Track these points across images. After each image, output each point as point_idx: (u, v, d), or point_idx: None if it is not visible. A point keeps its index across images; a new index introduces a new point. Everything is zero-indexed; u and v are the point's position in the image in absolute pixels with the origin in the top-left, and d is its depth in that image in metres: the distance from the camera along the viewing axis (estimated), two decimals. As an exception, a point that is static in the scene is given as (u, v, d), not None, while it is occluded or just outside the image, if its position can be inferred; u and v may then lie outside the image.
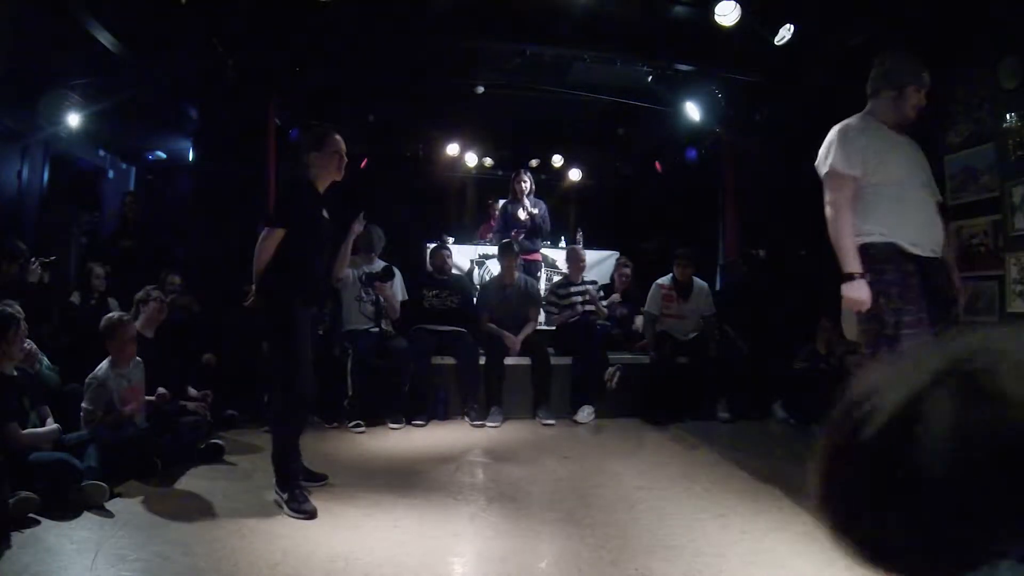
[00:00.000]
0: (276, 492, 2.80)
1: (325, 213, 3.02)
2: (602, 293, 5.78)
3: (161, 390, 3.65)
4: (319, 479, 3.11)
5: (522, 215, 6.12)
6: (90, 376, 3.31)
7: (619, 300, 5.93)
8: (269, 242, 2.82)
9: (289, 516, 2.66)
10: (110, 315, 3.50)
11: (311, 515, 2.66)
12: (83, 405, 3.26)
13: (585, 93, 6.42)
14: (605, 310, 5.62)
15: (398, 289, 4.87)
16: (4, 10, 4.30)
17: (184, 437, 3.49)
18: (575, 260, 5.59)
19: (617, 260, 6.46)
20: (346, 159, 3.02)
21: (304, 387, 2.88)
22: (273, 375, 2.98)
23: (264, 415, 4.21)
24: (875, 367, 0.54)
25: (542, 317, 5.62)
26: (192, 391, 4.02)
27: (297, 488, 2.77)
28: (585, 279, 5.64)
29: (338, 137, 2.99)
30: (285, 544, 2.37)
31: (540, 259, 6.43)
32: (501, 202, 6.84)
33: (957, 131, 4.59)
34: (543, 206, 6.27)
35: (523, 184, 6.18)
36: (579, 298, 5.45)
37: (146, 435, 3.28)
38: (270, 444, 2.94)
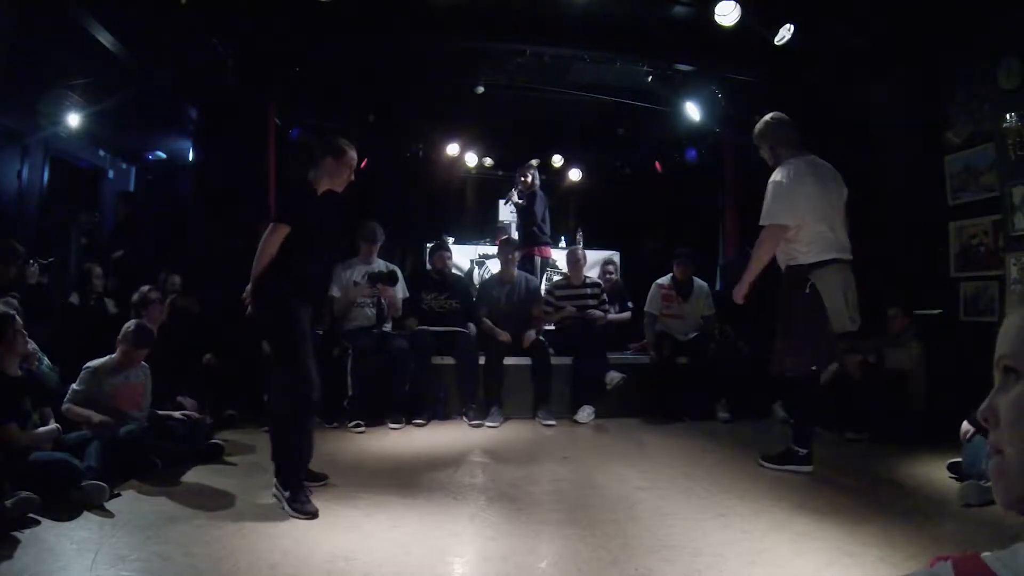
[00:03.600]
0: (277, 488, 2.78)
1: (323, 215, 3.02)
2: (605, 296, 5.75)
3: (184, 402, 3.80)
4: (319, 479, 3.11)
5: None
6: (88, 363, 3.38)
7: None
8: (274, 238, 2.82)
9: (290, 515, 2.65)
10: (130, 324, 3.52)
11: (312, 516, 2.65)
12: (72, 386, 3.30)
13: (585, 93, 6.43)
14: (602, 315, 5.60)
15: (399, 288, 4.88)
16: (4, 10, 4.29)
17: (183, 437, 3.48)
18: (574, 261, 5.59)
19: (603, 264, 6.51)
20: (348, 171, 3.08)
21: (309, 384, 2.85)
22: (275, 374, 2.97)
23: (264, 415, 4.22)
24: None
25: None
26: (185, 401, 3.93)
27: (299, 487, 2.75)
28: (587, 280, 5.63)
29: (355, 154, 3.08)
30: (285, 544, 2.37)
31: (537, 255, 6.34)
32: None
33: (957, 131, 4.59)
34: (534, 200, 6.32)
35: (521, 178, 6.38)
36: (579, 301, 5.44)
37: (145, 433, 3.29)
38: (269, 443, 2.94)
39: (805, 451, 3.42)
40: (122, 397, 3.39)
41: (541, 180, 7.84)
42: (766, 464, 3.50)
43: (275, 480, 2.83)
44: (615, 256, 7.08)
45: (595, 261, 6.85)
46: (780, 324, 3.42)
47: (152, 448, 3.26)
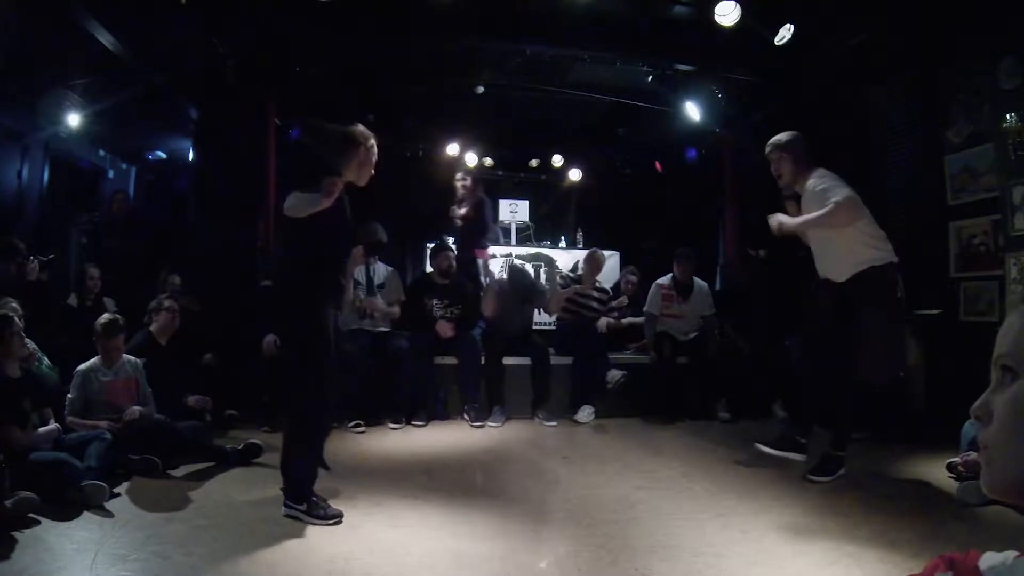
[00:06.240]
0: (291, 507, 2.62)
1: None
2: (612, 304, 5.73)
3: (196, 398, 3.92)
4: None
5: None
6: (78, 367, 3.41)
7: (627, 303, 5.91)
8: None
9: (314, 525, 2.55)
10: (101, 318, 3.53)
11: (339, 518, 2.58)
12: (68, 395, 3.32)
13: (585, 93, 6.42)
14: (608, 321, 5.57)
15: (399, 289, 4.90)
16: (4, 10, 4.29)
17: (186, 438, 3.48)
18: (593, 263, 5.54)
19: (624, 269, 6.50)
20: (375, 157, 2.90)
21: (330, 394, 2.79)
22: (294, 381, 2.76)
23: (267, 415, 4.22)
24: None
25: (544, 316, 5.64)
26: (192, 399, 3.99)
27: (313, 496, 2.65)
28: (598, 284, 5.61)
29: (369, 138, 2.91)
30: (285, 544, 2.37)
31: (480, 257, 6.20)
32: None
33: (957, 131, 4.59)
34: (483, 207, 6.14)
35: (461, 188, 6.09)
36: (584, 302, 5.43)
37: (156, 420, 3.38)
38: (272, 445, 2.92)
39: (843, 454, 3.30)
40: (116, 393, 3.42)
41: (541, 179, 7.82)
42: (817, 478, 3.22)
43: (286, 496, 2.66)
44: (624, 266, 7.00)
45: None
46: (877, 331, 3.17)
47: (165, 440, 3.32)
